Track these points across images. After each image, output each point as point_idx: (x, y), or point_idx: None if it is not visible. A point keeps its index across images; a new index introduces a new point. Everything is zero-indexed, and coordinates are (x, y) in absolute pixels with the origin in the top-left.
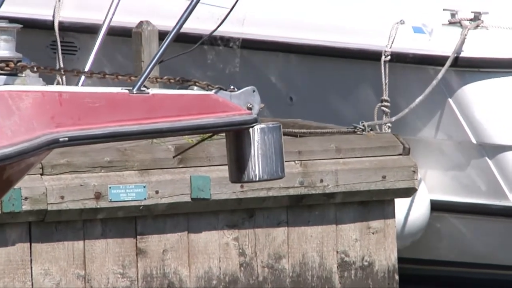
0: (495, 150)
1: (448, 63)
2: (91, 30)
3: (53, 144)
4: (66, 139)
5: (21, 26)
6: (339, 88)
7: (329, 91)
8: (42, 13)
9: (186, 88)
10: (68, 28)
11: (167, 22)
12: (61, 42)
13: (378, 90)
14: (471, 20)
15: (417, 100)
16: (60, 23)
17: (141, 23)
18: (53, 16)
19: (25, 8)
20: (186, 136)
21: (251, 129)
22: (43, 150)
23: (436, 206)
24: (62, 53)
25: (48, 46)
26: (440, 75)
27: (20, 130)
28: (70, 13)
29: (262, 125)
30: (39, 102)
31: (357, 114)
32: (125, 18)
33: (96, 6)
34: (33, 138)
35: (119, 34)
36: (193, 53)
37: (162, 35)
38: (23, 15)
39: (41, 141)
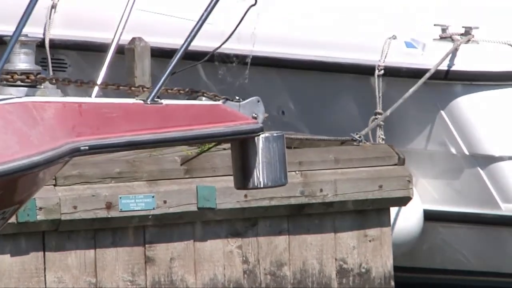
0: (487, 160)
1: (433, 69)
2: (80, 47)
3: (75, 152)
4: (87, 147)
5: (40, 39)
6: (332, 102)
7: (322, 105)
8: (33, 30)
9: (194, 98)
10: (58, 46)
11: (159, 39)
12: (51, 59)
13: (371, 104)
14: (462, 34)
15: (410, 91)
16: (51, 40)
17: (133, 39)
18: (44, 34)
19: (8, 26)
20: (184, 147)
21: (256, 137)
22: (65, 158)
23: (429, 216)
24: (52, 70)
25: (39, 63)
26: (428, 74)
27: (45, 139)
28: (60, 31)
29: (267, 134)
30: (61, 112)
31: (350, 128)
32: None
33: (86, 24)
34: (57, 147)
35: (100, 49)
36: (192, 68)
37: (154, 51)
38: (4, 32)
39: (64, 150)
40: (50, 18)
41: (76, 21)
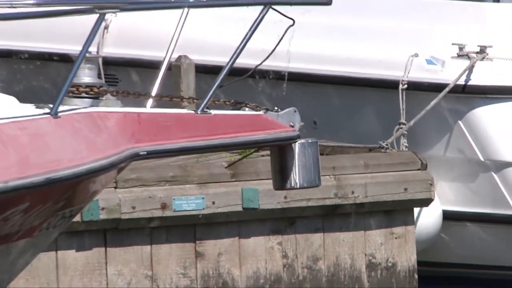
0: (500, 165)
1: (452, 84)
2: (130, 64)
3: (135, 157)
4: (145, 153)
5: (101, 56)
6: (359, 114)
7: (350, 116)
8: (66, 48)
9: (238, 109)
10: (110, 63)
11: (202, 57)
12: (104, 74)
13: (395, 115)
14: (477, 53)
15: (432, 103)
16: (104, 58)
17: (180, 57)
18: (97, 52)
19: (73, 45)
20: (226, 153)
21: (293, 144)
22: (126, 162)
23: (447, 216)
24: None
25: None
26: (445, 102)
27: (109, 145)
28: (112, 49)
29: (303, 141)
30: (122, 121)
31: (375, 136)
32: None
33: (135, 43)
34: (119, 152)
35: (152, 67)
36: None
37: (198, 68)
38: (71, 51)
39: (125, 155)
40: (103, 37)
41: (126, 40)
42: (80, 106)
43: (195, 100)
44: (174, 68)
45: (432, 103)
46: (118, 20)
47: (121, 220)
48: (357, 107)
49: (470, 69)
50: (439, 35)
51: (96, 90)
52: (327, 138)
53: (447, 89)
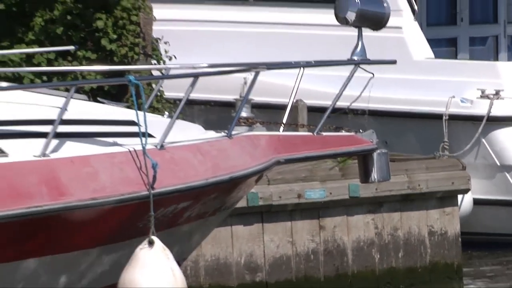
0: (511, 168)
1: (484, 120)
2: (258, 106)
3: (277, 163)
4: (283, 160)
5: (252, 99)
6: (415, 135)
7: (409, 137)
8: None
9: (338, 131)
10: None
11: (312, 101)
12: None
13: (440, 136)
14: (494, 95)
15: (476, 134)
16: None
17: (297, 100)
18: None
19: (218, 95)
20: (330, 161)
21: (373, 153)
22: (272, 167)
23: (477, 201)
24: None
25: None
26: (480, 129)
27: (262, 156)
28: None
29: (379, 151)
30: (268, 140)
31: (426, 150)
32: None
33: (264, 92)
34: (268, 160)
35: (280, 107)
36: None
37: (309, 108)
38: (216, 98)
39: (271, 162)
40: (245, 84)
41: (259, 90)
42: (242, 131)
43: (311, 126)
44: (294, 108)
45: (480, 130)
46: (251, 76)
47: (272, 205)
48: (414, 132)
49: (490, 105)
50: (468, 83)
51: (250, 121)
52: (395, 152)
53: (483, 122)
